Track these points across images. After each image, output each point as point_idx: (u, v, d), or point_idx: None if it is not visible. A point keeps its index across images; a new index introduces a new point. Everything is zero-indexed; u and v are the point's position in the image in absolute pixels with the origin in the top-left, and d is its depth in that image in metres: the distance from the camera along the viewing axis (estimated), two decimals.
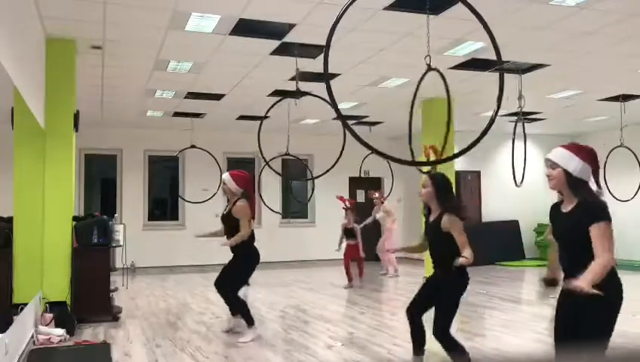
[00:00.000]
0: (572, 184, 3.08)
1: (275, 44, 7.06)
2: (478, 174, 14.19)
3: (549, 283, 3.65)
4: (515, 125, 8.60)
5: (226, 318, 6.86)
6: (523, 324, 6.82)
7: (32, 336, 5.74)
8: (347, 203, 10.52)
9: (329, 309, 7.85)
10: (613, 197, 9.93)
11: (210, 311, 7.66)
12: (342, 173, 12.80)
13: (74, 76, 6.91)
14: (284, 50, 7.24)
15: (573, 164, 3.08)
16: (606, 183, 9.97)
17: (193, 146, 11.25)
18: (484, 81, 8.94)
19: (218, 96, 9.93)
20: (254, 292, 9.54)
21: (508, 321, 7.02)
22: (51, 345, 5.69)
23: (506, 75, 8.52)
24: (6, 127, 6.42)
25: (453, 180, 10.82)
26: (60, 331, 5.90)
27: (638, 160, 9.75)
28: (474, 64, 7.99)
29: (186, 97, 9.95)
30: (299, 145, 12.41)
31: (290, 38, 6.80)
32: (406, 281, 10.74)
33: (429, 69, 4.41)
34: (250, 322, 6.04)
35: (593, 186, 3.15)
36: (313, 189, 10.97)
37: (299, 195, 14.42)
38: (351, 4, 3.74)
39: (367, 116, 12.04)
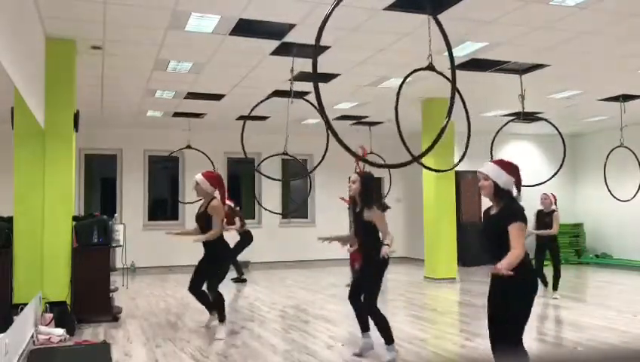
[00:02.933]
0: (498, 193, 3.82)
1: (274, 44, 7.06)
2: None
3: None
4: (505, 124, 8.65)
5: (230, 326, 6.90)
6: None
7: (32, 336, 5.74)
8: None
9: (329, 309, 7.85)
10: (614, 197, 9.93)
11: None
12: (342, 173, 12.83)
13: (74, 76, 6.91)
14: (284, 50, 7.24)
15: (501, 177, 3.81)
16: (606, 183, 10.00)
17: (189, 147, 11.26)
18: (484, 81, 8.94)
19: (218, 96, 9.93)
20: (255, 293, 9.55)
21: None
22: (51, 345, 5.69)
23: (507, 75, 8.60)
24: (6, 127, 6.42)
25: (453, 180, 10.98)
26: (60, 331, 5.90)
27: (638, 160, 9.74)
28: (474, 64, 7.99)
29: (185, 97, 9.95)
30: (299, 145, 12.42)
31: (290, 38, 6.80)
32: (406, 281, 10.74)
33: (428, 67, 4.52)
34: (222, 319, 6.22)
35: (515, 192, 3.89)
36: (310, 190, 10.99)
37: (297, 195, 14.42)
38: (337, 4, 3.78)
39: (367, 116, 12.04)
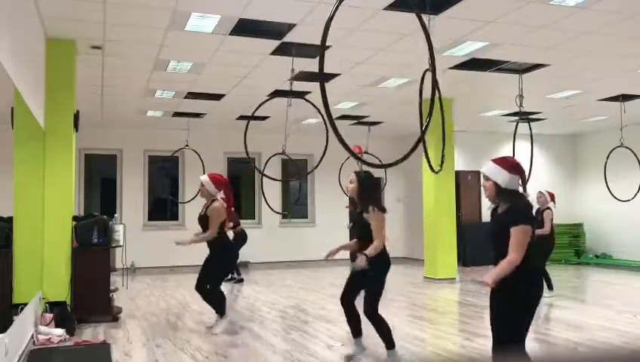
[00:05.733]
0: (501, 193, 3.65)
1: (274, 44, 7.06)
2: (478, 174, 14.18)
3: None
4: (517, 125, 8.63)
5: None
6: None
7: (32, 336, 5.74)
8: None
9: (329, 309, 7.84)
10: (614, 197, 9.93)
11: (210, 311, 7.64)
12: (342, 173, 12.81)
13: (74, 76, 6.91)
14: (284, 50, 7.24)
15: (502, 176, 3.63)
16: (606, 183, 10.00)
17: (187, 146, 11.27)
18: (484, 81, 8.94)
19: (218, 96, 9.93)
20: (255, 293, 9.55)
21: None
22: (51, 345, 5.69)
23: (506, 75, 8.59)
24: (6, 127, 6.42)
25: (453, 180, 10.98)
26: (60, 331, 5.90)
27: (638, 160, 9.75)
28: (474, 64, 7.99)
29: (186, 97, 9.95)
30: (300, 145, 12.45)
31: (290, 38, 6.80)
32: (406, 281, 10.74)
33: (427, 70, 4.46)
34: (222, 313, 6.35)
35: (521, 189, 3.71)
36: (299, 191, 10.96)
37: (295, 196, 14.43)
38: (340, 3, 3.75)
39: (367, 116, 12.04)
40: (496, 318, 3.64)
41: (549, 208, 8.47)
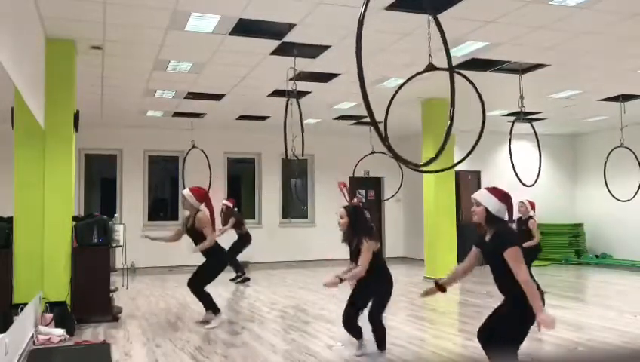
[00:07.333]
0: (490, 219, 3.94)
1: (275, 44, 7.05)
2: (478, 174, 14.19)
3: (439, 288, 4.31)
4: (512, 125, 8.63)
5: (226, 317, 6.92)
6: None
7: (32, 336, 5.74)
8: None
9: (329, 309, 7.84)
10: (614, 197, 9.92)
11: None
12: (342, 173, 12.82)
13: (74, 76, 6.91)
14: (284, 50, 7.24)
15: (492, 204, 3.94)
16: (606, 183, 10.00)
17: (194, 147, 11.27)
18: (484, 81, 8.93)
19: (218, 96, 9.93)
20: (255, 293, 9.55)
21: None
22: (51, 345, 5.69)
23: (506, 75, 8.59)
24: (6, 127, 6.42)
25: (453, 180, 10.98)
26: (60, 331, 5.90)
27: (638, 160, 9.74)
28: (474, 64, 7.99)
29: (186, 97, 9.95)
30: (300, 145, 12.42)
31: (290, 38, 6.80)
32: (406, 281, 10.74)
33: (429, 67, 4.48)
34: (216, 311, 6.78)
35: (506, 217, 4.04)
36: (295, 190, 10.93)
37: (298, 196, 14.41)
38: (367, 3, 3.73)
39: (367, 116, 12.02)
40: (502, 321, 3.87)
41: (531, 217, 8.53)
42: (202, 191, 6.98)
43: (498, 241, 3.83)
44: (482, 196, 4.01)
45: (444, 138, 4.05)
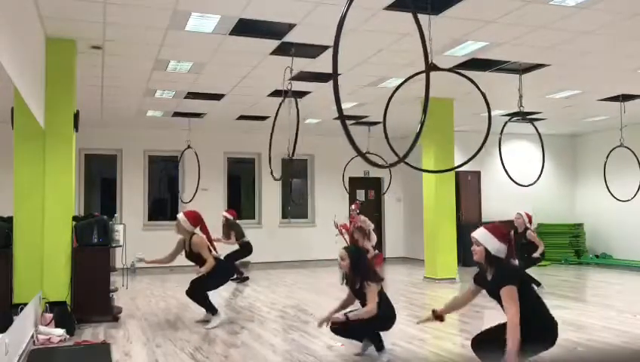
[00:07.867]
0: (489, 259, 4.00)
1: (275, 44, 7.06)
2: (478, 174, 14.19)
3: (436, 317, 4.42)
4: (505, 124, 8.66)
5: (226, 317, 6.93)
6: None
7: (32, 336, 5.74)
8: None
9: (329, 309, 7.83)
10: (613, 197, 9.92)
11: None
12: (342, 174, 12.81)
13: (74, 76, 6.91)
14: (284, 50, 7.24)
15: (492, 244, 3.99)
16: (606, 183, 10.00)
17: (189, 147, 11.27)
18: (484, 81, 8.92)
19: (218, 96, 9.93)
20: (255, 293, 9.55)
21: None
22: (51, 345, 5.69)
23: (506, 75, 8.59)
24: (6, 127, 6.42)
25: (453, 180, 10.98)
26: (60, 331, 5.90)
27: (638, 160, 9.74)
28: (474, 64, 7.99)
29: (186, 97, 9.95)
30: (300, 145, 12.41)
31: (290, 38, 6.80)
32: (406, 281, 10.73)
33: (429, 67, 4.47)
34: (214, 311, 6.77)
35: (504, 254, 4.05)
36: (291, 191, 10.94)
37: (296, 196, 14.43)
38: (350, 3, 3.73)
39: (367, 116, 12.04)
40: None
41: (527, 228, 8.72)
42: (197, 216, 6.95)
43: (499, 280, 3.91)
44: (481, 236, 4.04)
45: (413, 140, 4.05)
